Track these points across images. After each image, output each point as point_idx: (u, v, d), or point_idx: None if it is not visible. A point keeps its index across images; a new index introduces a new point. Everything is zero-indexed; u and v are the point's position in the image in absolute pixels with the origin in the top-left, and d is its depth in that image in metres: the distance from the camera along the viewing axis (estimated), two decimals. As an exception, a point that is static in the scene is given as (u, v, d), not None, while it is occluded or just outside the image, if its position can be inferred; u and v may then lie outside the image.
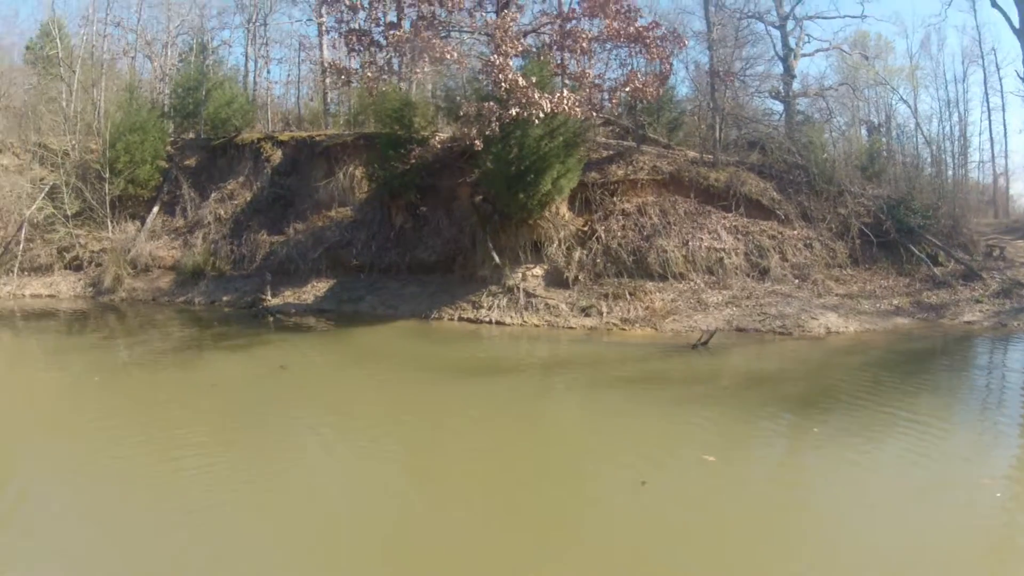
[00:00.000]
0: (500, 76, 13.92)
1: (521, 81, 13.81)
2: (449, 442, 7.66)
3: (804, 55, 22.44)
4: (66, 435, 7.91)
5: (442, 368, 11.15)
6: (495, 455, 7.22)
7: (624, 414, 8.45)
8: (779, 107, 22.56)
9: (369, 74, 17.25)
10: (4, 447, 7.59)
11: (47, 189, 21.79)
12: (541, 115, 13.84)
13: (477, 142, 14.56)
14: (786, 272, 14.96)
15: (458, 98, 16.48)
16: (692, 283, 14.75)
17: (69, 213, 20.95)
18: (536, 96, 13.70)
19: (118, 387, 10.54)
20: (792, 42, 21.86)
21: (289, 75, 34.62)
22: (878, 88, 21.34)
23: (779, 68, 22.18)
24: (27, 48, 28.43)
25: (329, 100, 23.29)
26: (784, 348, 12.28)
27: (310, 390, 10.15)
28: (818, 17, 23.43)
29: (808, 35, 22.77)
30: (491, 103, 14.29)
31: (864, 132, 21.28)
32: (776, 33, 22.08)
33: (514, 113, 13.80)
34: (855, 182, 16.75)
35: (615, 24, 14.84)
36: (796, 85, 21.86)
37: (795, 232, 15.82)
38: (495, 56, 14.35)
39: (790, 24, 21.87)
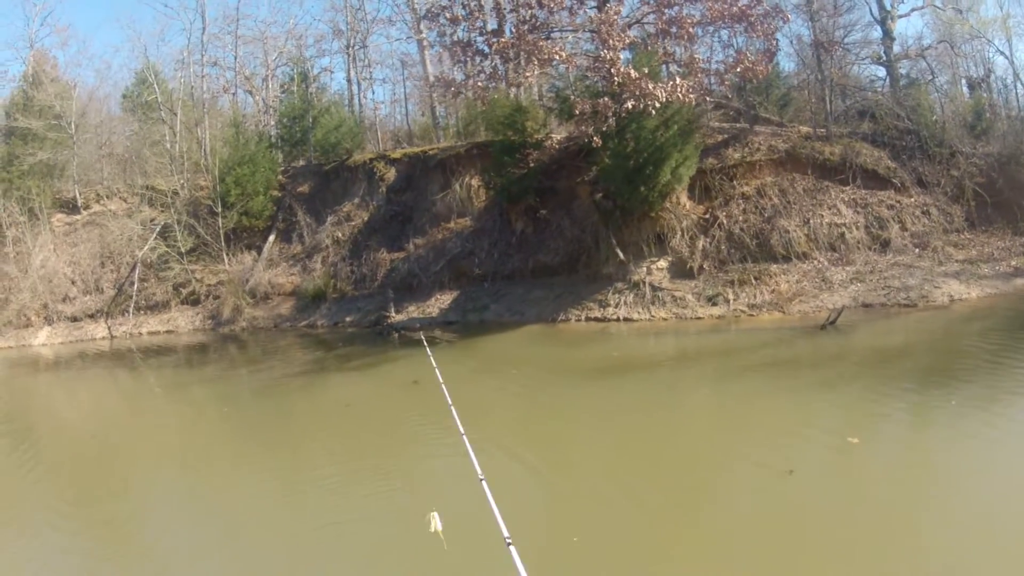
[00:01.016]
0: (612, 70, 20.33)
1: (633, 73, 19.99)
2: (589, 441, 11.11)
3: (900, 16, 28.64)
4: (201, 466, 11.94)
5: (573, 370, 15.86)
6: (638, 452, 10.32)
7: (761, 402, 11.89)
8: (881, 72, 28.98)
9: (479, 83, 25.36)
10: (143, 481, 11.58)
11: (159, 229, 32.21)
12: (657, 105, 19.97)
13: (596, 139, 21.04)
14: (906, 242, 20.71)
15: (571, 97, 23.31)
16: (816, 262, 20.68)
17: (183, 250, 30.79)
18: (650, 87, 19.85)
19: (249, 415, 15.82)
20: (887, 4, 28.17)
21: (395, 94, 45.54)
22: (974, 42, 27.48)
23: (877, 32, 28.61)
24: (123, 96, 41.00)
25: (437, 114, 32.97)
26: (910, 320, 17.48)
27: (441, 403, 14.67)
28: None
29: None
30: (606, 99, 20.75)
31: (966, 89, 27.40)
32: None
33: (630, 106, 20.00)
34: (965, 142, 22.49)
35: (717, 5, 21.00)
36: (896, 48, 28.10)
37: (912, 199, 21.67)
38: (604, 51, 20.76)
39: None
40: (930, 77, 27.33)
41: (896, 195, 22.17)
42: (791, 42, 28.99)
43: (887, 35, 28.40)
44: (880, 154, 23.03)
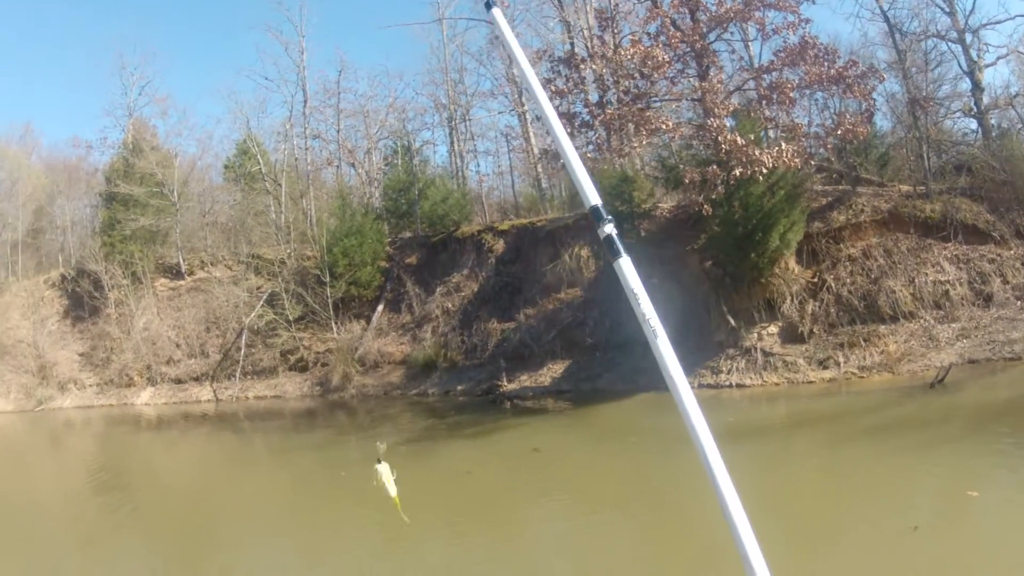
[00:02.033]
0: (719, 138, 23.19)
1: (740, 140, 21.95)
2: (706, 505, 16.30)
3: (987, 65, 31.16)
4: (304, 531, 13.90)
5: (687, 438, 21.15)
6: (762, 517, 15.58)
7: (875, 463, 13.49)
8: (973, 124, 31.73)
9: (588, 155, 28.40)
10: (241, 544, 13.66)
11: (265, 296, 37.13)
12: (764, 171, 22.74)
13: (705, 208, 24.16)
14: (1008, 295, 23.20)
15: (679, 166, 26.93)
16: (922, 320, 23.49)
17: (291, 318, 35.67)
18: (756, 153, 21.76)
19: (361, 481, 19.94)
20: (974, 55, 30.80)
21: (499, 166, 50.91)
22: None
23: (965, 84, 31.39)
24: (225, 167, 47.10)
25: (543, 185, 37.27)
26: (1017, 374, 20.08)
27: (564, 471, 16.59)
28: (992, 24, 32.89)
29: (987, 44, 31.80)
30: (714, 167, 22.96)
31: None
32: (957, 48, 31.29)
33: (738, 173, 22.20)
34: None
35: (814, 69, 22.86)
36: (984, 98, 30.52)
37: (1011, 252, 24.11)
38: (711, 120, 23.67)
39: (968, 37, 30.88)
40: (1020, 126, 29.86)
41: (996, 248, 24.65)
42: (886, 100, 31.77)
43: (976, 86, 31.03)
44: (979, 208, 25.66)
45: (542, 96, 2.81)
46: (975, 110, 31.16)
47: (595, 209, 2.37)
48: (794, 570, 9.41)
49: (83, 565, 13.63)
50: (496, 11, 2.94)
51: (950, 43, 31.59)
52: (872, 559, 9.51)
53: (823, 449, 16.20)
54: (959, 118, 32.75)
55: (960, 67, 31.66)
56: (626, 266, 2.47)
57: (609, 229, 2.44)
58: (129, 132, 49.24)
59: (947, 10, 31.39)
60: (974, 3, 35.31)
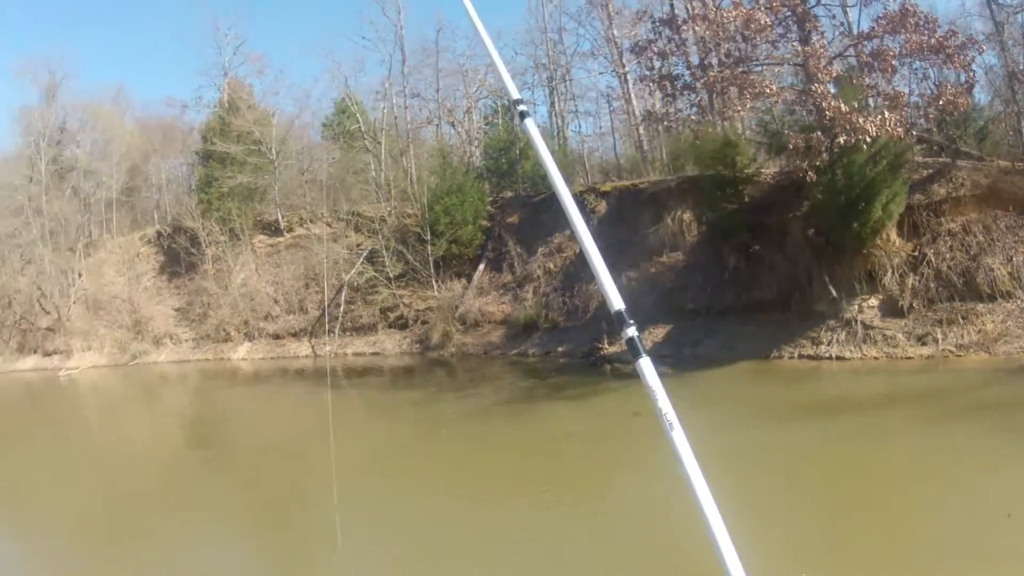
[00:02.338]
0: (823, 104, 23.55)
1: (844, 107, 22.40)
2: (810, 483, 13.30)
3: None
4: (401, 485, 15.23)
5: (786, 409, 18.98)
6: (854, 495, 12.54)
7: (972, 445, 14.00)
8: None
9: (692, 117, 29.84)
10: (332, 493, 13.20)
11: (365, 254, 39.39)
12: (868, 140, 22.49)
13: (810, 174, 25.33)
14: None
15: (783, 131, 27.63)
16: (1019, 301, 23.72)
17: (391, 275, 37.89)
18: (860, 121, 22.26)
19: (459, 438, 19.93)
20: None
21: (600, 127, 52.74)
22: None
23: None
24: (324, 125, 49.53)
25: (644, 147, 38.65)
26: None
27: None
28: None
29: None
30: (818, 133, 23.70)
31: None
32: None
33: (841, 141, 22.80)
34: None
35: (915, 38, 23.35)
36: None
37: None
38: (815, 85, 24.38)
39: None
40: None
41: None
42: (984, 73, 31.92)
43: None
44: None
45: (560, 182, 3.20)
46: None
47: (619, 314, 2.66)
48: (883, 546, 10.26)
49: (176, 521, 14.69)
50: (528, 121, 3.24)
51: None
52: (960, 542, 10.05)
53: (921, 427, 16.74)
54: None
55: None
56: (646, 366, 2.71)
57: (632, 332, 2.76)
58: (225, 91, 51.70)
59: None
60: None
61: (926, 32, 23.88)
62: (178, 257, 48.95)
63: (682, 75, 29.20)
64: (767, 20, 24.71)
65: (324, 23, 71.51)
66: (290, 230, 45.68)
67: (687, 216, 32.28)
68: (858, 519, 11.42)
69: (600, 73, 46.10)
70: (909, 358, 22.88)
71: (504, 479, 15.91)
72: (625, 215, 34.74)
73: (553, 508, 13.32)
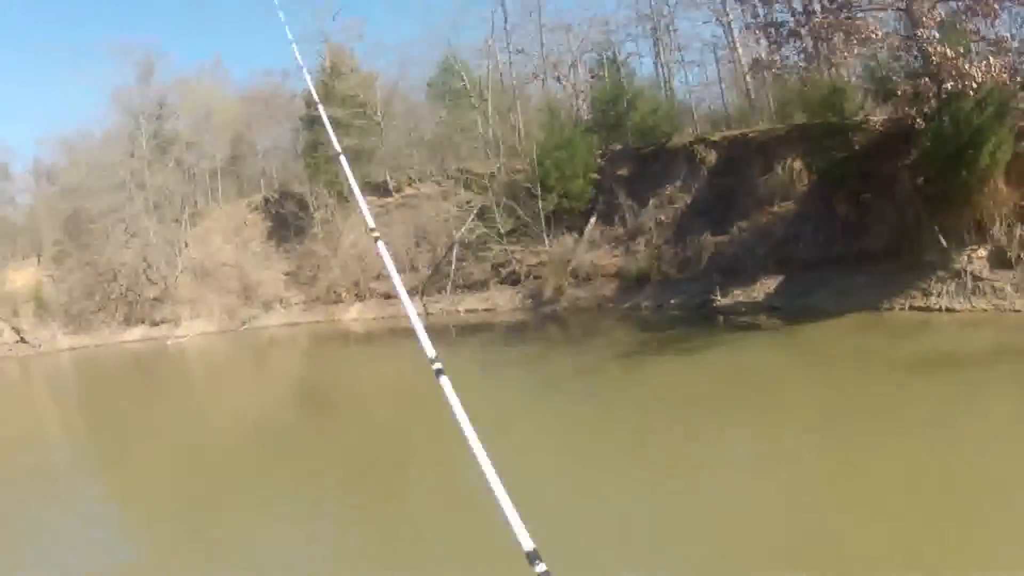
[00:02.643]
0: (929, 49, 23.78)
1: (949, 52, 23.19)
2: (915, 451, 13.60)
3: None
4: (507, 446, 14.16)
5: (896, 366, 19.40)
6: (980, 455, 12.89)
7: None
8: None
9: (799, 63, 30.63)
10: (442, 455, 14.83)
11: (476, 210, 41.71)
12: (974, 86, 23.20)
13: (918, 121, 25.88)
14: None
15: (893, 78, 28.07)
16: None
17: (502, 231, 40.15)
18: (966, 67, 23.11)
19: (581, 395, 21.01)
20: None
21: (707, 76, 53.58)
22: None
23: None
24: (428, 85, 52.03)
25: (752, 96, 39.91)
26: None
27: (772, 395, 18.54)
28: None
29: None
30: (926, 79, 24.59)
31: None
32: None
33: (948, 87, 23.58)
34: None
35: None
36: None
37: None
38: (921, 30, 24.25)
39: None
40: None
41: None
42: None
43: None
44: None
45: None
46: None
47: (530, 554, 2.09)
48: (984, 513, 10.92)
49: (288, 488, 16.05)
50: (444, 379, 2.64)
51: None
52: None
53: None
54: None
55: None
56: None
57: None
58: (327, 57, 53.91)
59: None
60: None
61: None
62: (286, 222, 51.77)
63: (787, 22, 29.71)
64: None
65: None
66: (399, 190, 48.07)
67: (797, 165, 33.17)
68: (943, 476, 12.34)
69: (704, 22, 47.24)
70: (1017, 311, 23.27)
71: (623, 440, 16.78)
72: (735, 165, 35.81)
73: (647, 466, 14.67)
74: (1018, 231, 25.30)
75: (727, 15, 41.60)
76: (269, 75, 77.93)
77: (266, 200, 55.40)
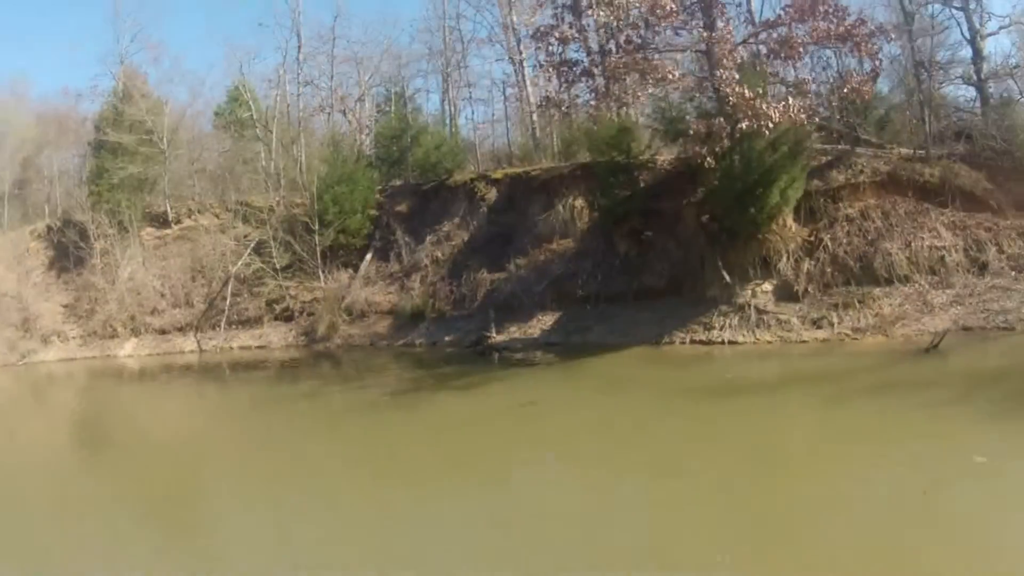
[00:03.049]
0: (728, 90, 23.11)
1: (748, 93, 22.75)
2: (703, 462, 12.67)
3: (989, 34, 31.03)
4: (286, 482, 13.94)
5: (681, 393, 18.39)
6: (765, 477, 11.94)
7: (875, 425, 13.65)
8: (970, 92, 31.92)
9: (591, 102, 28.17)
10: (219, 492, 13.93)
11: (253, 244, 36.31)
12: (771, 126, 22.73)
13: (709, 160, 24.07)
14: (1003, 264, 23.00)
15: (687, 117, 26.36)
16: (916, 285, 23.16)
17: (278, 266, 34.89)
18: (764, 107, 22.64)
19: (347, 433, 18.57)
20: (976, 22, 30.61)
21: (493, 114, 50.17)
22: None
23: (965, 52, 31.25)
24: (215, 114, 46.27)
25: (537, 134, 36.65)
26: (1010, 343, 19.88)
27: (560, 426, 16.67)
28: None
29: (989, 13, 31.55)
30: (720, 119, 23.73)
31: None
32: (959, 15, 31.00)
33: (744, 126, 22.90)
34: None
35: (823, 25, 23.63)
36: (985, 67, 30.48)
37: (1008, 222, 23.93)
38: (720, 71, 23.69)
39: (971, 3, 30.64)
40: (1019, 97, 29.99)
41: (993, 217, 24.58)
42: (890, 62, 31.66)
43: (977, 55, 30.98)
44: (978, 176, 25.49)
45: None
46: (975, 78, 31.29)
47: None
48: (797, 521, 10.08)
49: (64, 525, 13.07)
50: None
51: (954, 9, 31.48)
52: (871, 522, 9.44)
53: (815, 407, 16.35)
54: (957, 85, 33.08)
55: (962, 34, 31.66)
56: None
57: None
58: (120, 80, 48.33)
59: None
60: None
61: (834, 20, 23.47)
62: (67, 252, 44.82)
63: (581, 61, 28.67)
64: (673, 6, 23.89)
65: (223, 8, 68.57)
66: (178, 222, 42.13)
67: (579, 203, 30.63)
68: (754, 500, 11.01)
69: (496, 60, 44.65)
70: (804, 341, 22.45)
71: (392, 472, 14.66)
72: (516, 202, 32.93)
73: (441, 499, 12.36)
74: (806, 265, 24.65)
75: (520, 53, 38.50)
76: (67, 95, 70.98)
77: (49, 228, 48.22)
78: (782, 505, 10.86)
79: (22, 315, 44.16)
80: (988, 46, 31.50)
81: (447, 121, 43.60)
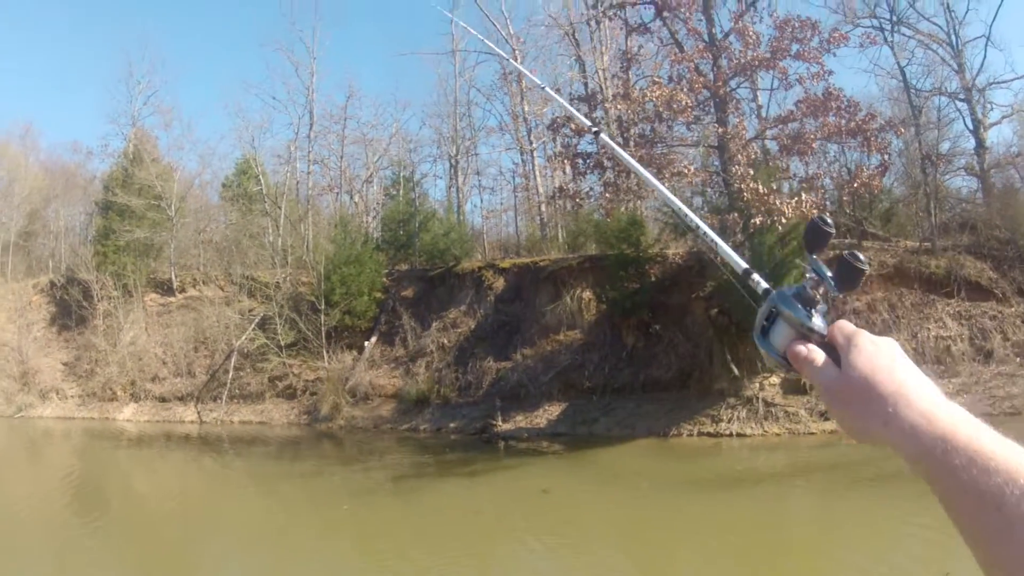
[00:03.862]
0: (741, 185, 22.85)
1: (762, 188, 22.53)
2: (707, 555, 12.88)
3: (992, 124, 32.00)
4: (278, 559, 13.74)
5: (688, 484, 18.28)
6: (759, 563, 12.13)
7: (893, 511, 13.71)
8: (972, 183, 32.76)
9: (607, 195, 27.79)
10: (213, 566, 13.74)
11: (257, 319, 35.87)
12: (784, 221, 22.40)
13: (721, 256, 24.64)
14: (1008, 351, 23.28)
15: (701, 211, 25.86)
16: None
17: (283, 343, 34.46)
18: (777, 202, 22.40)
19: (356, 514, 18.01)
20: (979, 112, 31.50)
21: (501, 203, 50.61)
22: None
23: (968, 143, 32.08)
24: (223, 186, 46.15)
25: (546, 225, 36.52)
26: (1018, 428, 20.61)
27: (570, 514, 16.55)
28: (999, 84, 33.56)
29: (991, 103, 32.62)
30: (734, 214, 23.66)
31: None
32: (963, 106, 31.98)
33: (757, 221, 22.73)
34: None
35: (834, 120, 23.67)
36: (987, 157, 31.30)
37: (1012, 309, 24.31)
38: (734, 166, 23.48)
39: (975, 95, 31.57)
40: (1021, 185, 30.67)
41: (998, 305, 24.84)
42: (898, 155, 32.07)
43: (980, 145, 31.58)
44: (983, 266, 25.80)
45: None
46: (978, 168, 31.87)
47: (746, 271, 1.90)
48: None
49: None
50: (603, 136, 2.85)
51: (958, 101, 32.34)
52: None
53: (823, 496, 16.57)
54: (961, 176, 33.96)
55: (966, 125, 32.52)
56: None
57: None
58: (131, 142, 48.24)
59: (956, 68, 32.22)
60: (983, 62, 35.57)
61: (846, 115, 23.43)
62: (70, 309, 44.49)
63: (595, 153, 27.86)
64: (689, 101, 23.64)
65: (237, 79, 68.87)
66: (182, 290, 41.78)
67: (587, 295, 30.25)
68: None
69: (506, 149, 44.61)
70: (812, 433, 22.18)
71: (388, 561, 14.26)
72: (523, 292, 32.52)
73: None
74: None
75: (530, 143, 38.52)
76: (76, 151, 70.70)
77: (52, 283, 47.58)
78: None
79: (21, 368, 44.08)
80: (990, 136, 32.07)
81: (455, 208, 43.60)
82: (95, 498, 22.41)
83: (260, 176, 43.33)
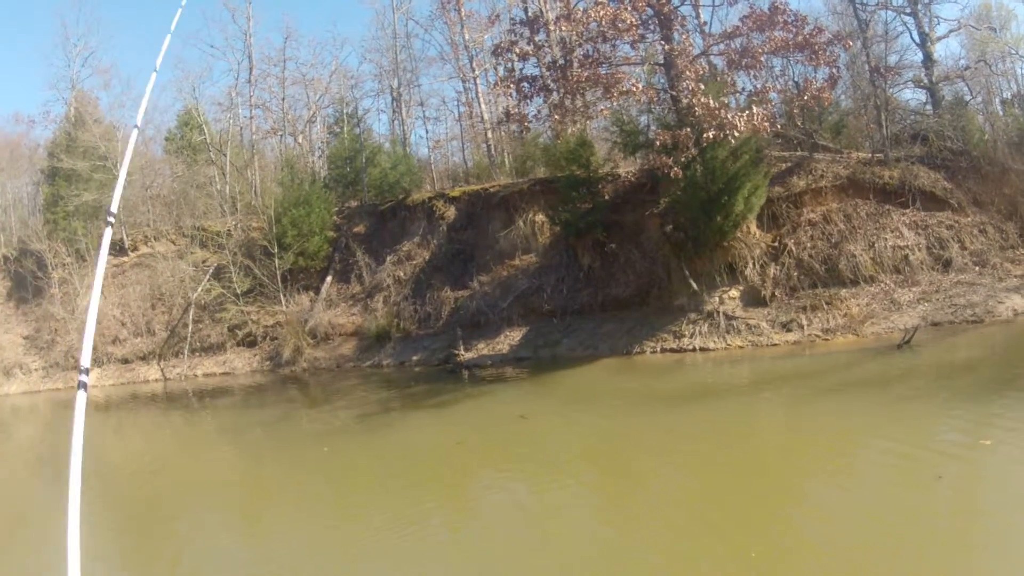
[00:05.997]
0: (692, 101, 22.19)
1: (713, 103, 21.90)
2: (684, 464, 12.14)
3: (939, 38, 31.31)
4: (261, 510, 12.93)
5: (656, 399, 17.46)
6: (728, 474, 11.21)
7: (875, 416, 13.05)
8: (922, 96, 32.22)
9: (556, 116, 26.79)
10: (193, 521, 12.58)
11: (212, 270, 34.14)
12: (736, 135, 21.86)
13: (675, 170, 22.51)
14: (967, 260, 22.73)
15: (651, 128, 25.55)
16: (883, 284, 22.58)
17: (239, 291, 32.77)
18: (729, 116, 21.76)
19: (343, 456, 16.37)
20: (926, 26, 30.77)
21: (446, 132, 48.62)
22: (1008, 60, 31.11)
23: (915, 56, 31.31)
24: (166, 139, 43.86)
25: (493, 152, 35.05)
26: (980, 335, 19.41)
27: (550, 438, 15.46)
28: None
29: (938, 17, 31.73)
30: (686, 130, 22.51)
31: (999, 107, 31.00)
32: (910, 20, 31.18)
33: (710, 136, 21.90)
34: (1016, 159, 24.72)
35: (781, 35, 22.94)
36: (937, 70, 30.70)
37: (969, 219, 23.70)
38: (685, 82, 22.73)
39: (920, 9, 30.74)
40: (969, 98, 30.50)
41: (954, 215, 24.25)
42: (846, 68, 31.26)
43: (928, 58, 30.90)
44: (936, 176, 25.12)
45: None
46: (926, 82, 31.08)
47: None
48: (772, 519, 9.34)
49: (28, 554, 11.84)
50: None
51: (904, 15, 31.42)
52: (918, 505, 8.96)
53: (789, 405, 15.66)
54: (910, 89, 33.10)
55: (912, 39, 31.62)
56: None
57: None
58: (72, 105, 45.83)
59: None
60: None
61: (793, 29, 22.85)
62: (25, 282, 42.10)
63: (540, 76, 27.64)
64: (632, 20, 22.96)
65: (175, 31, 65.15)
66: (134, 249, 39.60)
67: (540, 218, 29.05)
68: (733, 496, 10.27)
69: (449, 79, 43.00)
70: (775, 345, 21.62)
71: (369, 494, 13.28)
72: (476, 219, 31.23)
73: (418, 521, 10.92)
74: (771, 270, 23.91)
75: (472, 71, 36.81)
76: (18, 121, 67.76)
77: (5, 258, 45.36)
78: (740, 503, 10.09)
79: (-17, 348, 41.71)
80: (938, 50, 31.24)
81: (400, 141, 41.74)
82: (63, 468, 20.89)
83: (203, 125, 41.20)
